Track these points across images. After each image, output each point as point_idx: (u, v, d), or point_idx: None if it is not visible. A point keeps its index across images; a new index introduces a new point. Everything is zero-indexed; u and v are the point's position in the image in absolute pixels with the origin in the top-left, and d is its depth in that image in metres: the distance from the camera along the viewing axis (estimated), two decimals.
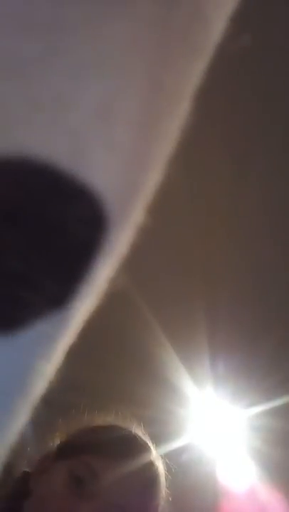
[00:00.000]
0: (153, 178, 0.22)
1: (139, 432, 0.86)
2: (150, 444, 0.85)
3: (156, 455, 0.84)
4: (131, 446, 0.83)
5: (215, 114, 1.01)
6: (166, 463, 0.86)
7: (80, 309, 0.22)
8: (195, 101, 0.25)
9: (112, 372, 1.40)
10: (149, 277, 1.25)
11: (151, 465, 0.83)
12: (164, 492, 0.83)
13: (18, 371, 0.23)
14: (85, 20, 0.21)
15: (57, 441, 0.85)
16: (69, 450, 0.82)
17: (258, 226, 1.30)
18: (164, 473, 0.84)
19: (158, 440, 0.88)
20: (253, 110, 1.05)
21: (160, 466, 0.84)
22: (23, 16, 0.21)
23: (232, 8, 0.25)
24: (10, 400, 0.23)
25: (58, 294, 0.21)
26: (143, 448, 0.83)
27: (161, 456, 0.85)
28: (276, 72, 1.00)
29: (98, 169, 0.21)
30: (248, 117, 1.06)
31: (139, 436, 0.84)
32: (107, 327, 1.05)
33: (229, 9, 0.25)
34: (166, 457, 0.89)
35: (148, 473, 0.82)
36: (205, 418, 1.83)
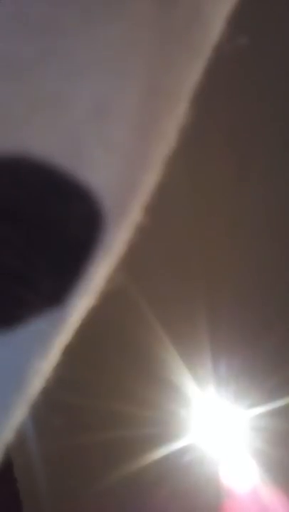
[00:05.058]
0: (151, 178, 0.23)
1: None
2: None
3: None
4: None
5: (216, 115, 1.01)
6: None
7: (77, 308, 0.22)
8: (195, 100, 0.25)
9: (114, 372, 1.40)
10: (151, 277, 1.25)
11: None
12: None
13: (15, 370, 0.23)
14: (82, 21, 0.21)
15: None
16: None
17: (259, 226, 1.30)
18: None
19: (160, 441, 0.87)
20: (254, 110, 1.05)
21: None
22: (19, 16, 0.21)
23: (231, 7, 0.25)
24: (6, 399, 0.23)
25: (55, 292, 0.22)
26: None
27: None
28: (276, 72, 1.00)
29: (96, 168, 0.21)
30: (249, 117, 1.06)
31: None
32: (108, 327, 1.05)
33: (228, 9, 0.25)
34: (168, 458, 0.88)
35: None
36: (207, 419, 1.83)
